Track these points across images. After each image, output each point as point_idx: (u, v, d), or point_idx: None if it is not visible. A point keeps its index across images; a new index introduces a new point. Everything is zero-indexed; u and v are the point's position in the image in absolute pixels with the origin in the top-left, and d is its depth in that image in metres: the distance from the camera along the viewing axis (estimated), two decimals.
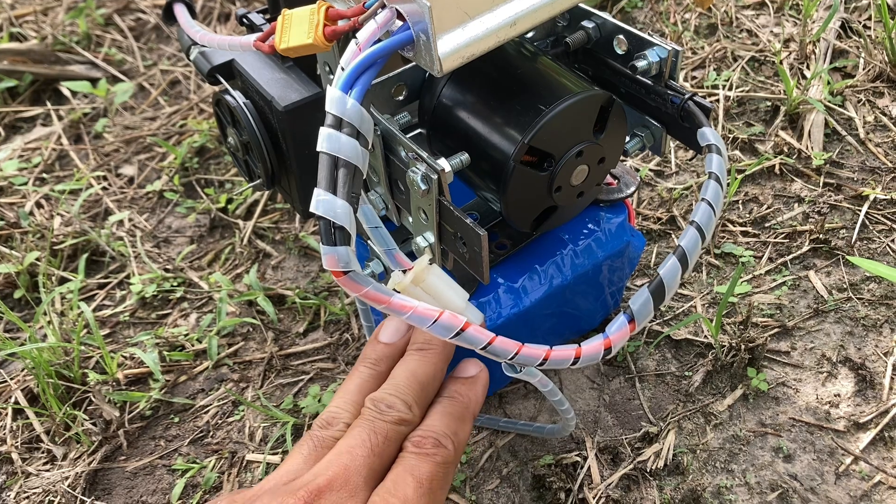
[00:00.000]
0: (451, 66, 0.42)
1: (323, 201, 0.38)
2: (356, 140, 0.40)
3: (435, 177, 0.44)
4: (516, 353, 0.41)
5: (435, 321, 0.40)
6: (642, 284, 0.72)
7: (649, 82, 0.52)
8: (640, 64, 0.50)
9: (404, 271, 0.47)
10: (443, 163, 0.45)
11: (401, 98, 0.52)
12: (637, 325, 0.42)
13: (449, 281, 0.49)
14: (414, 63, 0.51)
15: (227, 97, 0.55)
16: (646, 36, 0.50)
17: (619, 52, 0.52)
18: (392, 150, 0.48)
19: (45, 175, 0.98)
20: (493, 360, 0.48)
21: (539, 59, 0.51)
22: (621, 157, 0.55)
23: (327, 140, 0.39)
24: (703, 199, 0.43)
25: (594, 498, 0.57)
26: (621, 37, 0.51)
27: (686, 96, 0.50)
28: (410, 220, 0.51)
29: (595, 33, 0.53)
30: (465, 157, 0.47)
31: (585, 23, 0.53)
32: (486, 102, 0.49)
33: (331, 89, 0.40)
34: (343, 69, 0.40)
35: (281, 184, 0.59)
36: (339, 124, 0.39)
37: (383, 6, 0.42)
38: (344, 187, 0.39)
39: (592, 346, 0.42)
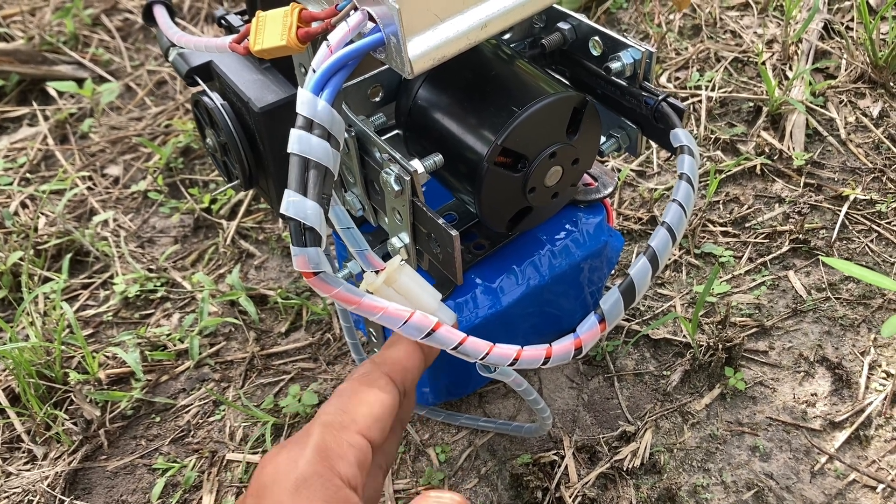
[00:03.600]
0: (421, 69, 0.42)
1: (293, 203, 0.39)
2: (327, 142, 0.40)
3: (408, 178, 0.45)
4: (487, 353, 0.41)
5: (406, 321, 0.40)
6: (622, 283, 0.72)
7: (624, 83, 0.52)
8: (615, 65, 0.50)
9: (377, 272, 0.47)
10: (416, 164, 0.45)
11: (377, 99, 0.52)
12: (608, 325, 0.42)
13: (421, 281, 0.49)
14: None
15: (205, 98, 0.55)
16: (620, 38, 0.50)
17: (595, 53, 0.53)
18: (367, 152, 0.48)
19: (30, 175, 0.98)
20: (449, 370, 0.48)
21: (514, 61, 0.51)
22: (598, 158, 0.56)
23: (298, 142, 0.39)
24: (673, 200, 0.43)
25: (571, 497, 0.57)
26: (597, 38, 0.52)
27: (660, 97, 0.50)
28: (386, 220, 0.51)
29: (571, 35, 0.53)
30: (438, 157, 0.47)
31: (561, 24, 0.53)
32: (461, 104, 0.50)
33: (301, 91, 0.40)
34: (314, 71, 0.41)
35: (259, 184, 0.59)
36: (309, 126, 0.40)
37: (355, 8, 0.42)
38: (314, 188, 0.39)
39: (563, 346, 0.42)
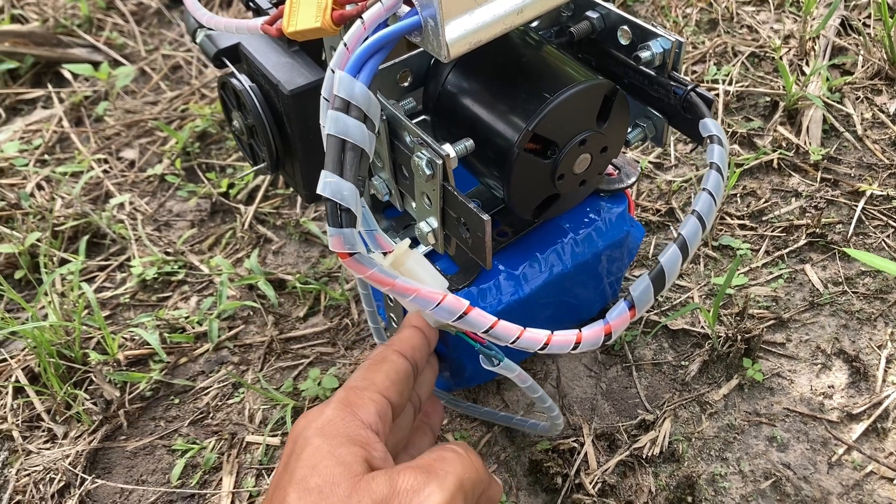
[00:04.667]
0: (458, 52, 0.42)
1: (330, 183, 0.39)
2: (363, 123, 0.40)
3: (440, 162, 0.45)
4: (518, 337, 0.42)
5: (438, 304, 0.41)
6: (640, 275, 0.73)
7: (652, 73, 0.52)
8: (644, 55, 0.50)
9: (385, 254, 0.48)
10: (448, 148, 0.45)
11: (406, 84, 0.52)
12: (637, 311, 0.43)
13: (429, 267, 0.49)
14: (420, 50, 0.52)
15: (233, 80, 0.55)
16: (650, 27, 0.51)
17: (623, 42, 0.53)
18: (397, 136, 0.48)
19: (45, 157, 0.98)
20: (474, 355, 0.49)
21: (544, 48, 0.52)
22: (622, 148, 0.56)
23: (335, 122, 0.39)
24: (704, 189, 0.43)
25: (591, 483, 0.58)
26: (625, 27, 0.52)
27: (689, 87, 0.50)
28: (414, 205, 0.51)
29: (599, 23, 0.53)
30: (469, 143, 0.48)
31: (590, 13, 0.53)
32: (491, 90, 0.50)
33: (338, 72, 0.40)
34: (346, 46, 0.41)
35: (285, 168, 0.59)
36: (346, 107, 0.40)
37: None
38: (351, 170, 0.40)
39: (593, 332, 0.42)
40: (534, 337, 0.42)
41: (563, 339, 0.42)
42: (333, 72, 0.41)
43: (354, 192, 0.39)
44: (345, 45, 0.41)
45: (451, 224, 0.49)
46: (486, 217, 0.44)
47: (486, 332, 0.41)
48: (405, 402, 0.45)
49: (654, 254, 0.75)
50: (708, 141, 0.46)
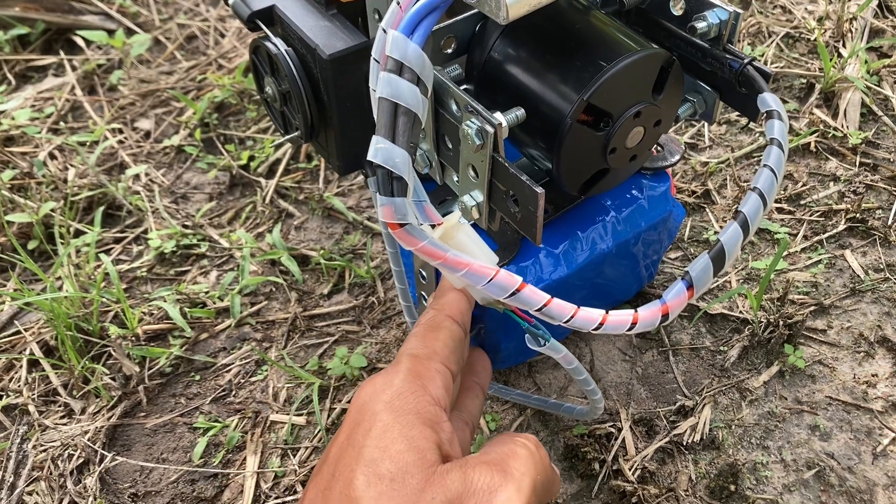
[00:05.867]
0: (516, 14, 0.40)
1: (382, 149, 0.37)
2: (417, 87, 0.38)
3: (491, 131, 0.42)
4: (572, 316, 0.40)
5: (491, 280, 0.39)
6: (676, 258, 0.71)
7: (706, 45, 0.50)
8: (700, 25, 0.48)
9: (433, 226, 0.46)
10: (499, 117, 0.43)
11: (449, 51, 0.50)
12: (696, 291, 0.41)
13: (479, 241, 0.47)
14: (465, 15, 0.50)
15: (268, 44, 0.53)
16: None
17: (676, 13, 0.50)
18: (443, 104, 0.46)
19: (58, 125, 0.95)
20: (515, 333, 0.47)
21: (595, 15, 0.49)
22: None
23: (388, 85, 0.37)
24: (765, 165, 0.41)
25: (630, 469, 0.56)
26: None
27: (746, 60, 0.48)
28: (456, 178, 0.49)
29: None
30: (520, 112, 0.45)
31: None
32: (542, 57, 0.48)
33: (391, 32, 0.38)
34: (399, 5, 0.38)
35: (318, 138, 0.57)
36: (399, 69, 0.38)
37: None
38: (404, 135, 0.37)
39: (650, 312, 0.40)
40: (588, 316, 0.40)
41: (619, 319, 0.40)
42: (385, 31, 0.38)
43: (407, 159, 0.37)
44: (398, 3, 0.39)
45: (497, 198, 0.47)
46: (539, 190, 0.42)
47: (539, 310, 0.39)
48: (461, 369, 0.44)
49: (690, 236, 0.73)
50: (767, 116, 0.44)
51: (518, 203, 0.45)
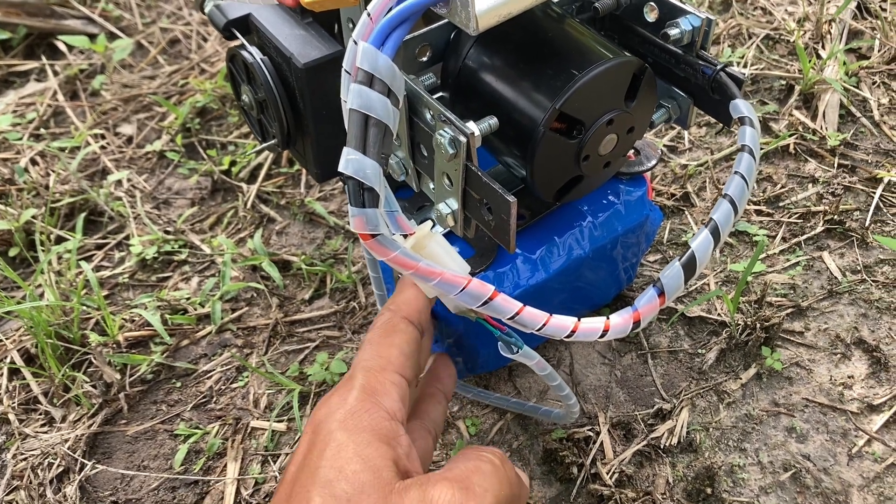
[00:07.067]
0: (486, 25, 0.40)
1: (352, 161, 0.37)
2: (387, 98, 0.38)
3: (464, 140, 0.43)
4: (544, 324, 0.40)
5: (463, 289, 0.39)
6: (655, 261, 0.71)
7: (679, 51, 0.50)
8: (673, 32, 0.48)
9: (405, 236, 0.46)
10: (472, 126, 0.43)
11: (424, 59, 0.50)
12: (667, 298, 0.41)
13: (451, 250, 0.47)
14: (439, 23, 0.50)
15: (244, 53, 0.53)
16: (678, 3, 0.49)
17: (650, 19, 0.51)
18: (417, 113, 0.46)
19: (40, 131, 0.95)
20: (493, 339, 0.47)
21: (569, 23, 0.49)
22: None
23: (358, 96, 0.37)
24: (736, 173, 0.42)
25: (607, 473, 0.56)
26: (652, 3, 0.50)
27: (718, 67, 0.48)
28: (432, 186, 0.49)
29: None
30: (493, 121, 0.46)
31: None
32: (515, 66, 0.48)
33: (362, 43, 0.38)
34: (370, 16, 0.39)
35: (295, 146, 0.57)
36: (370, 80, 0.38)
37: None
38: (374, 147, 0.38)
39: (622, 319, 0.41)
40: (561, 324, 0.40)
41: (591, 326, 0.40)
42: (356, 43, 0.39)
43: (378, 170, 0.37)
44: (368, 14, 0.39)
45: (472, 206, 0.47)
46: (511, 198, 0.42)
47: (511, 318, 0.40)
48: (418, 373, 0.43)
49: (669, 239, 0.73)
50: (739, 122, 0.45)
51: (492, 211, 0.45)
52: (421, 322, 0.45)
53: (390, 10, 0.39)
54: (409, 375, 0.41)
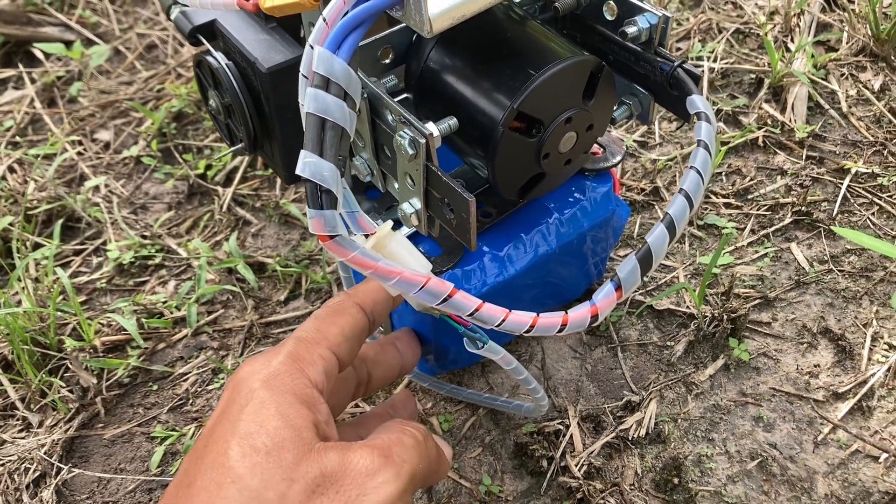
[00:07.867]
0: (440, 27, 0.41)
1: (309, 163, 0.38)
2: (343, 101, 0.39)
3: (423, 141, 0.43)
4: (503, 320, 0.41)
5: (422, 287, 0.40)
6: (626, 255, 0.72)
7: (638, 49, 0.51)
8: (631, 30, 0.49)
9: (367, 236, 0.47)
10: (431, 127, 0.44)
11: (387, 61, 0.51)
12: (624, 292, 0.42)
13: (412, 249, 0.48)
14: (401, 25, 0.51)
15: (209, 58, 0.54)
16: (636, 2, 0.49)
17: (609, 17, 0.51)
18: (379, 115, 0.47)
19: (17, 139, 0.95)
20: (455, 337, 0.48)
21: (528, 24, 0.50)
22: (608, 126, 0.55)
23: (314, 100, 0.38)
24: (691, 167, 0.42)
25: (576, 465, 0.57)
26: (611, 2, 0.51)
27: (676, 63, 0.49)
28: (396, 186, 0.50)
29: None
30: (453, 121, 0.46)
31: None
32: (475, 66, 0.49)
33: (317, 48, 0.39)
34: (326, 21, 0.39)
35: (263, 149, 0.57)
36: (325, 84, 0.39)
37: None
38: (331, 149, 0.38)
39: (579, 314, 0.41)
40: (519, 319, 0.41)
41: (549, 321, 0.41)
42: (312, 48, 0.39)
43: (335, 172, 0.38)
44: (324, 19, 0.39)
45: (434, 205, 0.48)
46: (470, 197, 0.43)
47: (470, 315, 0.40)
48: (353, 358, 0.44)
49: (640, 233, 0.74)
50: (695, 118, 0.46)
51: (453, 210, 0.46)
52: (373, 312, 0.45)
53: (346, 13, 0.40)
54: (341, 355, 0.42)
